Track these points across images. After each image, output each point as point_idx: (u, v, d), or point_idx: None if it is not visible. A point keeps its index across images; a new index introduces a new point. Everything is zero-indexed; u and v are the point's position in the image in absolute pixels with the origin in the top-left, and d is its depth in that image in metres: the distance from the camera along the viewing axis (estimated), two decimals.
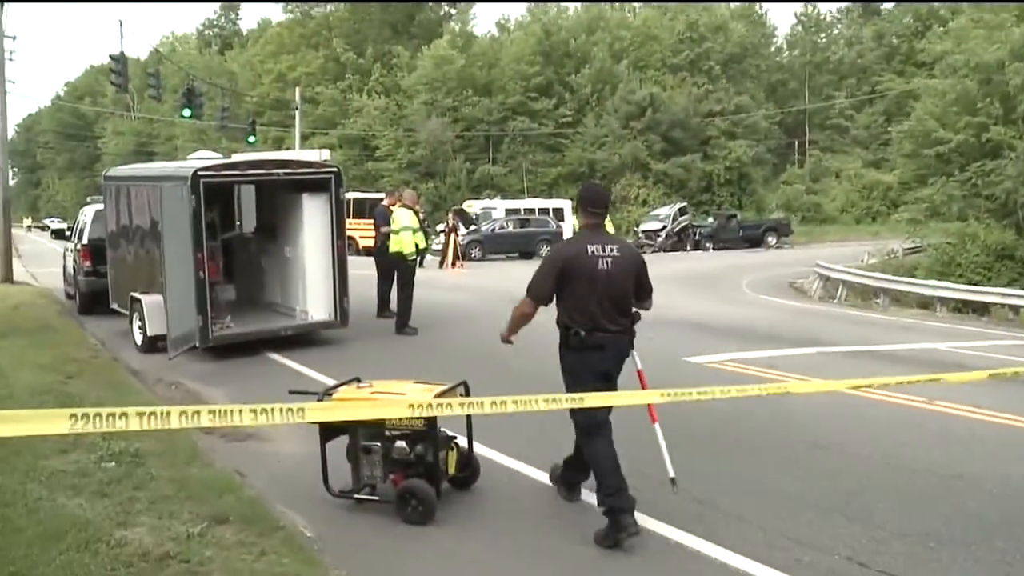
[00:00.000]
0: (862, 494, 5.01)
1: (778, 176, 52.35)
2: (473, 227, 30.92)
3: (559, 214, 35.75)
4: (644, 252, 35.82)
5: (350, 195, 33.45)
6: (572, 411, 4.51)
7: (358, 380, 5.22)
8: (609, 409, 4.55)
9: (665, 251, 35.55)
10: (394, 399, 4.83)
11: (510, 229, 32.09)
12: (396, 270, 11.32)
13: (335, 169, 10.38)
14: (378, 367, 8.58)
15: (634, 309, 4.67)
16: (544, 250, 30.88)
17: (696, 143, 47.98)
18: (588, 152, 47.46)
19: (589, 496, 4.73)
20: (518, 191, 46.92)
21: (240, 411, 2.87)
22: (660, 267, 26.07)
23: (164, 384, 8.34)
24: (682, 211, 37.77)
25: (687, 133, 47.37)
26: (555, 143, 49.52)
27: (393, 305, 11.55)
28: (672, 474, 4.62)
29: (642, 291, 4.68)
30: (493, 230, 31.52)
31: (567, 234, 34.61)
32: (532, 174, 48.52)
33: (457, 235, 26.14)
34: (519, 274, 22.04)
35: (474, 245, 30.11)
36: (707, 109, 48.61)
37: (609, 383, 4.59)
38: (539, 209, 35.68)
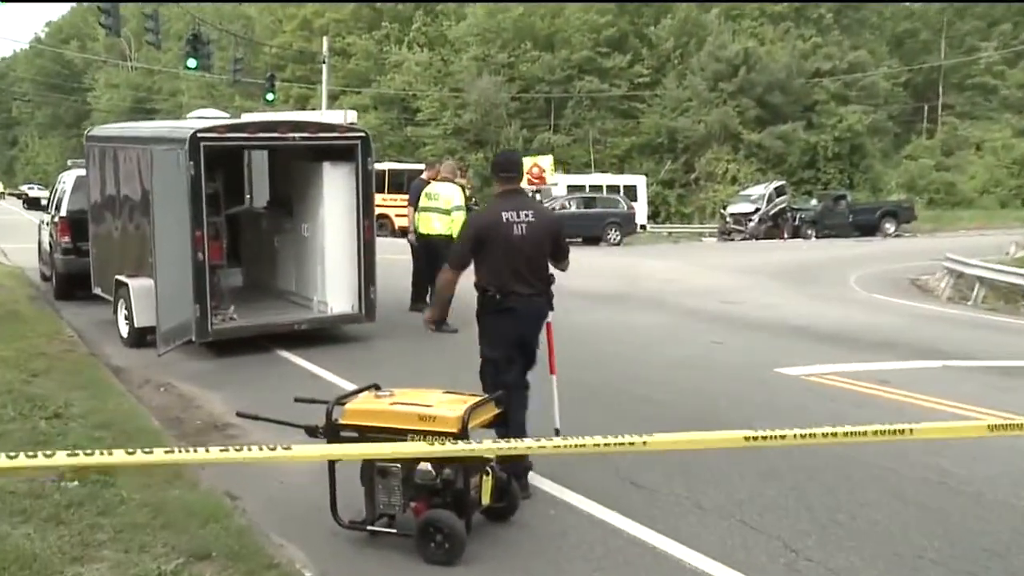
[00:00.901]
0: (1006, 555, 4.72)
1: (900, 149, 51.27)
2: None
3: (632, 192, 35.55)
4: (731, 239, 35.61)
5: (385, 165, 33.89)
6: (482, 372, 5.64)
7: (377, 387, 5.15)
8: (523, 373, 5.63)
9: (757, 238, 35.05)
10: (417, 411, 4.73)
11: (573, 209, 32.02)
12: (435, 254, 11.32)
13: (363, 133, 10.38)
14: (407, 371, 8.59)
15: (552, 271, 5.72)
16: (614, 235, 30.73)
17: (799, 109, 47.12)
18: (667, 119, 47.01)
19: (639, 530, 4.90)
20: (583, 164, 46.71)
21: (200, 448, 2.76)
22: (750, 257, 25.94)
23: (152, 386, 8.38)
24: (779, 191, 37.24)
25: (788, 97, 46.59)
26: (628, 108, 49.12)
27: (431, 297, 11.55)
28: (558, 425, 5.79)
29: (559, 252, 5.74)
30: (553, 210, 31.39)
31: (641, 217, 34.74)
32: (600, 144, 48.24)
33: None
34: (584, 264, 22.29)
35: None
36: (814, 68, 47.81)
37: (525, 348, 5.65)
38: (608, 186, 35.55)
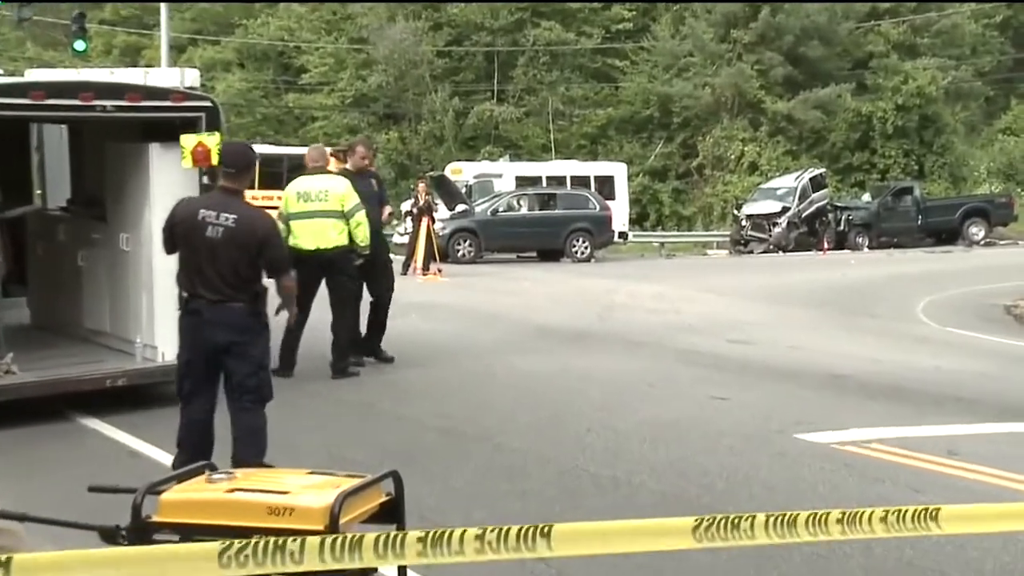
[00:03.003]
0: None
1: (994, 120, 52.15)
2: (461, 206, 30.98)
3: (608, 187, 35.84)
4: (748, 251, 36.01)
5: (258, 149, 33.43)
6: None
7: (210, 468, 5.09)
8: (192, 385, 7.34)
9: (785, 250, 35.56)
10: (267, 500, 4.70)
11: (523, 211, 32.16)
12: (336, 274, 11.56)
13: (209, 103, 10.39)
14: (270, 444, 8.50)
15: (266, 282, 7.26)
16: (582, 248, 30.97)
17: (845, 65, 47.97)
18: (658, 82, 47.55)
19: None
20: (539, 147, 47.02)
21: None
22: (774, 277, 26.23)
23: None
24: (816, 183, 37.86)
25: (829, 49, 47.38)
26: (603, 67, 49.65)
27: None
28: None
29: (270, 269, 7.29)
30: (495, 212, 31.75)
31: (621, 221, 35.01)
32: (564, 119, 48.63)
33: (433, 220, 26.21)
34: (539, 290, 22.27)
35: (463, 237, 30.45)
36: (868, 6, 48.70)
37: (219, 367, 7.26)
38: (574, 178, 35.84)
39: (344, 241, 11.49)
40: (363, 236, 11.54)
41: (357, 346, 12.10)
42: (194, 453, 6.86)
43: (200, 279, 7.10)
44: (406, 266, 24.92)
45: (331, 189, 11.67)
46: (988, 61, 52.67)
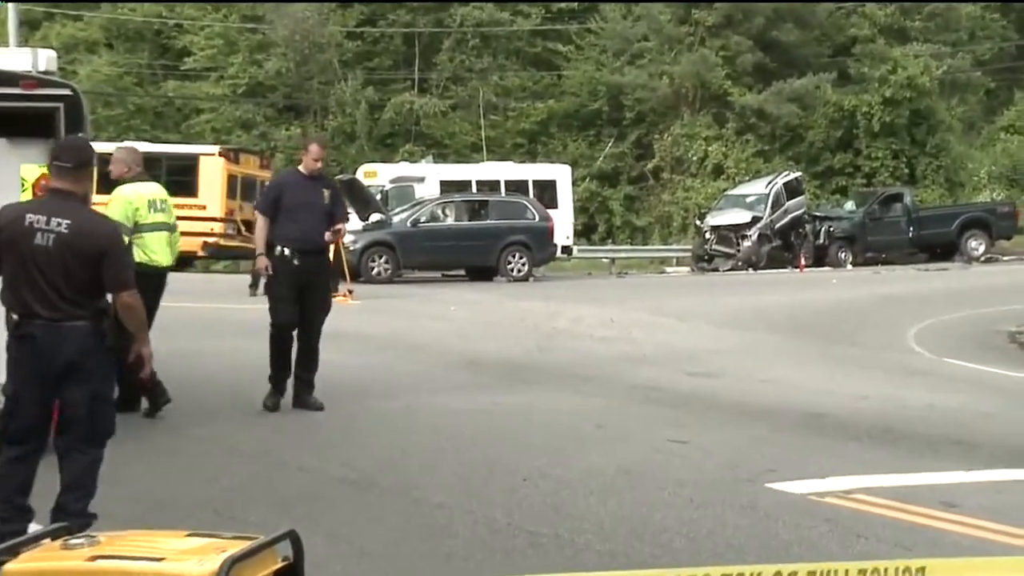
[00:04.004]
0: None
1: (996, 117, 52.90)
2: (376, 216, 30.87)
3: (549, 193, 35.98)
4: (713, 268, 36.24)
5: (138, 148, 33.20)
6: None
7: (67, 531, 5.03)
8: (19, 423, 7.20)
9: (756, 267, 35.84)
10: (137, 569, 4.63)
11: (449, 222, 32.16)
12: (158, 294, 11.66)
13: (68, 91, 10.32)
14: (144, 502, 8.41)
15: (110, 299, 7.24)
16: (518, 264, 30.95)
17: (825, 52, 48.57)
18: (607, 71, 47.81)
19: None
20: (468, 146, 47.07)
21: None
22: (743, 298, 26.45)
23: None
24: (792, 188, 38.26)
25: (806, 32, 47.96)
26: (543, 53, 49.81)
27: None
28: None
29: (113, 284, 7.23)
30: (416, 223, 31.71)
31: (564, 233, 35.08)
32: (497, 113, 48.71)
33: (342, 232, 26.10)
34: (466, 314, 22.15)
35: (377, 252, 30.47)
36: None
37: (54, 393, 7.17)
38: (509, 182, 35.93)
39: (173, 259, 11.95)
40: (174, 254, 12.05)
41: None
42: (10, 508, 7.00)
43: (33, 295, 7.05)
44: None
45: (167, 198, 12.06)
46: (988, 48, 53.45)
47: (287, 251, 11.97)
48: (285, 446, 10.76)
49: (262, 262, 12.39)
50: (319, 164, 12.47)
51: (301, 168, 12.69)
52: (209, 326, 19.33)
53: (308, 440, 11.11)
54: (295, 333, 12.19)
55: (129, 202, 11.75)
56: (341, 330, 18.61)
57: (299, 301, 12.12)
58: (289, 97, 48.95)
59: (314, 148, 12.67)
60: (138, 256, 11.17)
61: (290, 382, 12.20)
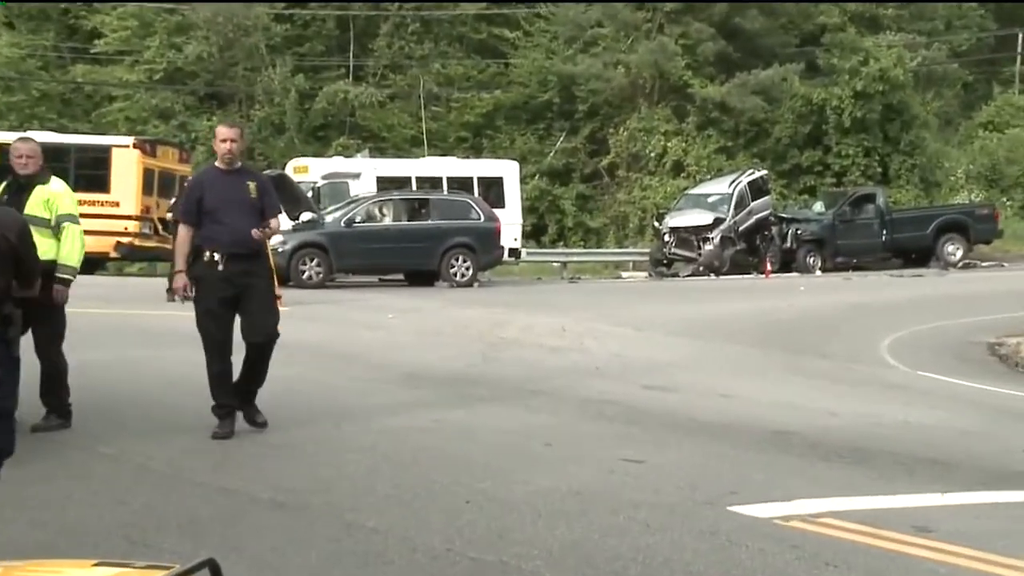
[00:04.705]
0: None
1: (973, 114, 53.21)
2: (307, 215, 30.70)
3: (496, 191, 36.03)
4: (672, 274, 36.38)
5: (39, 137, 32.88)
6: None
7: None
8: None
9: (719, 272, 35.98)
10: None
11: (387, 222, 32.09)
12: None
13: None
14: (50, 527, 8.31)
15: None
16: (463, 268, 30.91)
17: (792, 41, 48.84)
18: (559, 59, 47.85)
19: None
20: (408, 140, 46.99)
21: None
22: (704, 306, 26.62)
23: None
24: (757, 188, 38.47)
25: (772, 20, 48.26)
26: (489, 40, 49.78)
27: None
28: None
29: (26, 276, 7.54)
30: (351, 223, 31.67)
31: (512, 235, 35.07)
32: (439, 105, 48.61)
33: (273, 228, 26.00)
34: (405, 322, 22.06)
35: (309, 254, 30.50)
36: None
37: None
38: (451, 179, 35.95)
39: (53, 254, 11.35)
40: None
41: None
42: None
43: None
44: None
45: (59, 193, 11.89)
46: (966, 39, 53.87)
47: (216, 256, 11.50)
48: (204, 465, 10.64)
49: (180, 281, 11.78)
50: (230, 148, 11.74)
51: (217, 163, 12.09)
52: (121, 334, 19.17)
53: (230, 459, 10.99)
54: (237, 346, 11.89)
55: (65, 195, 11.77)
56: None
57: (234, 310, 11.73)
58: (211, 84, 48.67)
59: (220, 130, 12.09)
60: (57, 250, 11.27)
61: None
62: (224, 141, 11.78)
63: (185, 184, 25.85)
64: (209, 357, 11.65)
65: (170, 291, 22.95)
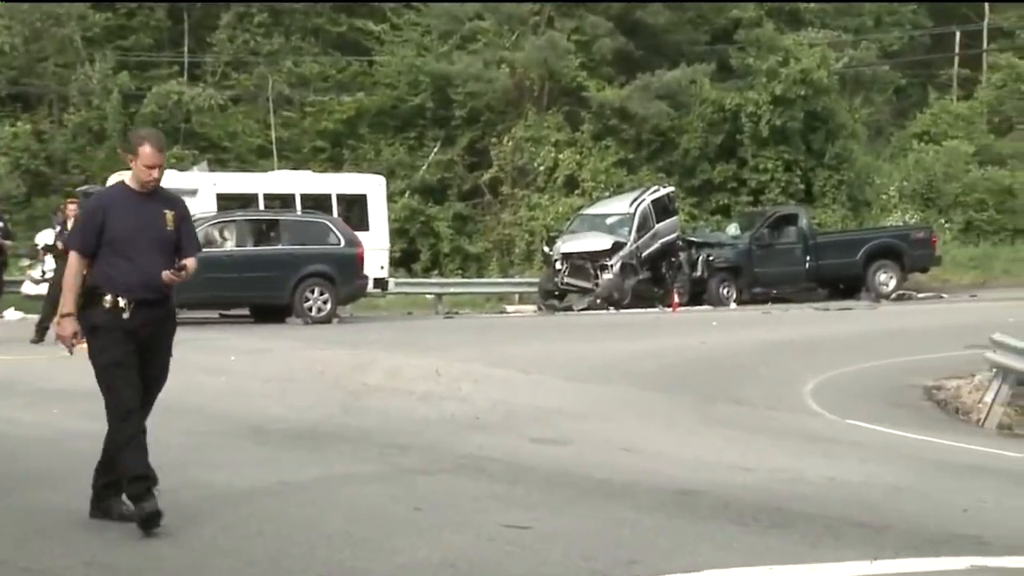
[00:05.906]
0: None
1: (906, 122, 53.99)
2: None
3: (358, 211, 36.00)
4: (565, 307, 36.55)
5: None
6: None
7: None
8: None
9: (619, 305, 36.12)
10: None
11: (230, 247, 31.95)
12: None
13: None
14: None
15: None
16: (318, 302, 30.74)
17: (701, 38, 49.44)
18: (432, 57, 48.03)
19: None
20: (254, 150, 46.88)
21: None
22: (600, 345, 26.68)
23: None
24: (663, 207, 38.66)
25: (678, 13, 48.73)
26: (350, 34, 49.86)
27: None
28: None
29: None
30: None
31: (377, 258, 34.95)
32: (292, 108, 48.57)
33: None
34: (254, 366, 21.92)
35: None
36: None
37: None
38: (305, 197, 35.89)
39: None
40: None
41: None
42: None
43: None
44: (43, 329, 24.37)
45: None
46: (897, 37, 54.86)
47: (121, 302, 10.61)
48: (4, 540, 10.43)
49: (70, 328, 10.78)
50: (156, 174, 10.76)
51: (129, 182, 10.98)
52: None
53: (33, 530, 10.80)
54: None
55: None
56: (88, 388, 18.27)
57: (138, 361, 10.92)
58: (15, 83, 48.20)
59: (147, 151, 10.75)
60: None
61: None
62: (152, 167, 10.79)
63: (79, 206, 25.35)
64: (118, 421, 10.84)
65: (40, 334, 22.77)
